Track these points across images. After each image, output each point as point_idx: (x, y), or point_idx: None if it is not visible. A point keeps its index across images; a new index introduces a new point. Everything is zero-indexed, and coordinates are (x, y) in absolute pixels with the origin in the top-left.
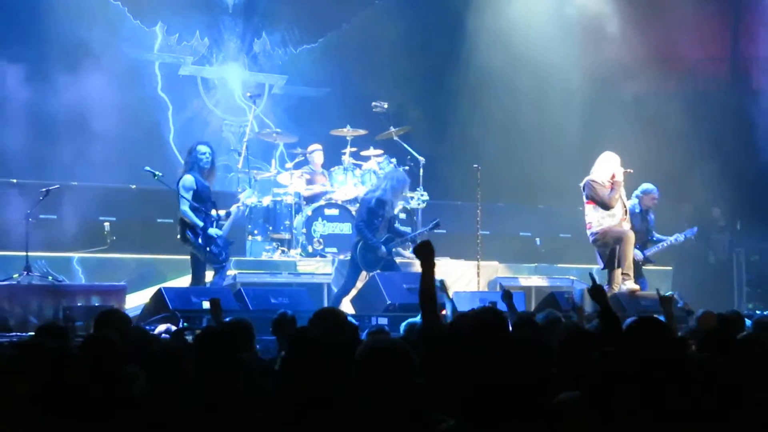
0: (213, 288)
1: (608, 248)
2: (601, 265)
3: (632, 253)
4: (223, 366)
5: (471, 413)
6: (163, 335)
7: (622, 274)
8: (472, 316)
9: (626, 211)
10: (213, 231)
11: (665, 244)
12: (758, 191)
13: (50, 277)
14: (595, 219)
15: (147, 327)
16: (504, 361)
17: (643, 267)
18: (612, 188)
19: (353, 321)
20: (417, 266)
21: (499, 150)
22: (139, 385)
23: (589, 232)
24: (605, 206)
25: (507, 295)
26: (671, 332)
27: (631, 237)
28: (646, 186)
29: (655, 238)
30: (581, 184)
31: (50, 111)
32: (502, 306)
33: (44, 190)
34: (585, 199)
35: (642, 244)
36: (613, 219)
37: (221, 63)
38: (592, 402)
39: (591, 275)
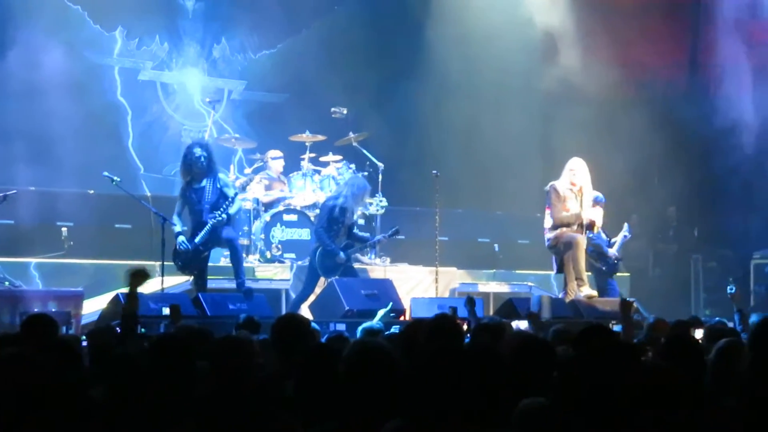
0: (170, 294)
1: (560, 255)
2: (556, 270)
3: (584, 258)
4: (180, 372)
5: (420, 416)
6: None
7: (577, 279)
8: (428, 322)
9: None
10: (180, 239)
11: (622, 242)
12: (716, 198)
13: (7, 283)
14: (550, 225)
15: None
16: (456, 367)
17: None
18: (565, 203)
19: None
20: (375, 272)
21: (458, 156)
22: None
23: (545, 237)
24: (553, 220)
25: (470, 301)
26: (619, 339)
27: (582, 242)
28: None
29: (611, 240)
30: (546, 189)
31: (7, 115)
32: (463, 311)
33: (1, 195)
34: (546, 205)
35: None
36: (568, 226)
37: (181, 68)
38: (556, 409)
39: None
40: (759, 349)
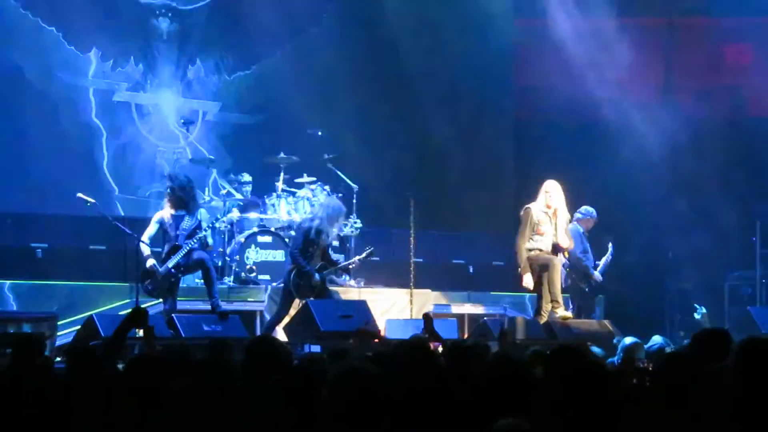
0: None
1: (534, 275)
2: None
3: (559, 279)
4: (155, 393)
5: None
6: None
7: (552, 302)
8: (403, 344)
9: (556, 243)
10: (149, 263)
11: (605, 264)
12: (688, 219)
13: None
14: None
15: None
16: (431, 387)
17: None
18: (539, 226)
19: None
20: (350, 294)
21: (433, 177)
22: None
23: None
24: (517, 243)
25: (427, 318)
26: (589, 360)
27: (558, 265)
28: (588, 208)
29: (596, 262)
30: (521, 213)
31: None
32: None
33: None
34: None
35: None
36: (542, 247)
37: (155, 89)
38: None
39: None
40: (745, 365)
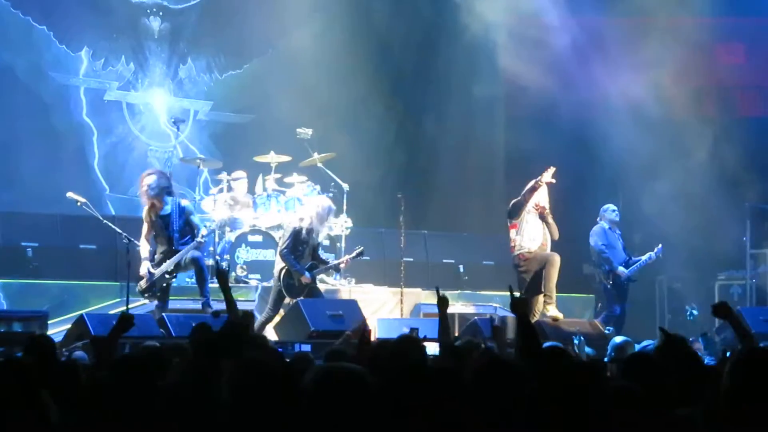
0: (135, 315)
1: (531, 273)
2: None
3: (556, 276)
4: (142, 392)
5: None
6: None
7: (545, 296)
8: (392, 343)
9: (546, 237)
10: (144, 267)
11: (643, 263)
12: (677, 218)
13: None
14: (517, 243)
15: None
16: (419, 388)
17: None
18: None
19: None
20: (341, 293)
21: (423, 177)
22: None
23: (513, 255)
24: (513, 207)
25: (441, 299)
26: (575, 359)
27: (557, 260)
28: (607, 206)
29: (632, 259)
30: (508, 208)
31: None
32: (426, 332)
33: None
34: (509, 223)
35: (625, 263)
36: (534, 243)
37: (146, 88)
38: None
39: (510, 287)
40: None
